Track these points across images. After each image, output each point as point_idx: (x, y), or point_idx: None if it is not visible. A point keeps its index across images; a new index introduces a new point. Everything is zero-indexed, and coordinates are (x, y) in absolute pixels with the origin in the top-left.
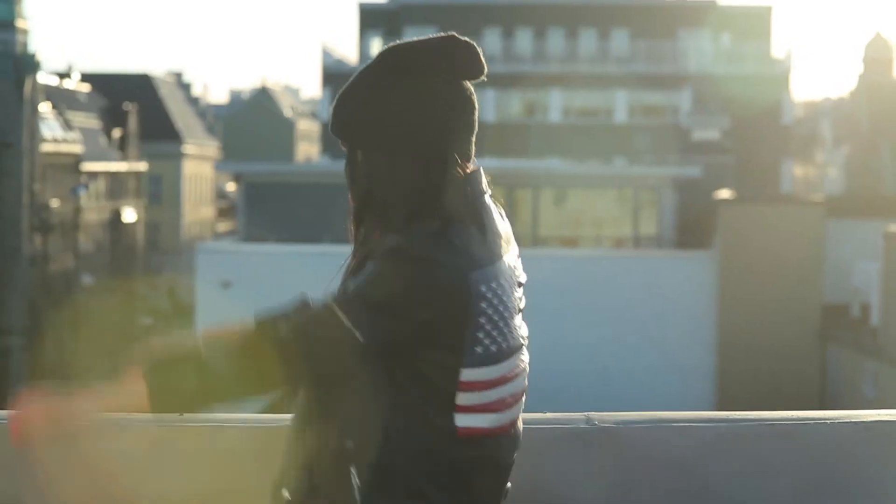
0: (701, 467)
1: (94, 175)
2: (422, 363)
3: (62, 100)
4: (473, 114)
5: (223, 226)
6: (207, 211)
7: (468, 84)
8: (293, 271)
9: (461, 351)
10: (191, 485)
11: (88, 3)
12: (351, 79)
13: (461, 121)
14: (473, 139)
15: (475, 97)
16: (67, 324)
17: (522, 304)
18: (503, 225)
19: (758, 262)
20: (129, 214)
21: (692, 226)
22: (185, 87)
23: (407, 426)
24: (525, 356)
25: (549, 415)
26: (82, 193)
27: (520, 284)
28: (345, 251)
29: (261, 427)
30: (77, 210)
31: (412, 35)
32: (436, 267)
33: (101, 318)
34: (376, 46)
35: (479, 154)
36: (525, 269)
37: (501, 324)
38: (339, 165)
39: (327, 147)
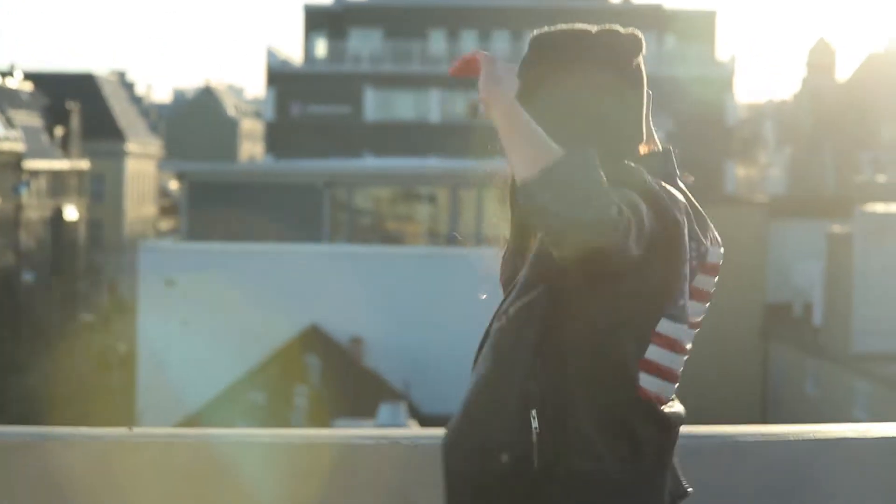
0: None
1: (35, 173)
2: (636, 286)
3: (4, 98)
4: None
5: (166, 224)
6: (150, 209)
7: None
8: (236, 269)
9: (671, 290)
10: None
11: (31, 1)
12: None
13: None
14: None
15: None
16: (7, 321)
17: (712, 290)
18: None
19: None
20: (71, 212)
21: None
22: (129, 87)
23: (593, 368)
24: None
25: None
26: (24, 192)
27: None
28: (287, 249)
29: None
30: (18, 208)
31: (356, 36)
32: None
33: (41, 315)
34: (321, 47)
35: (424, 153)
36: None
37: (685, 286)
38: (283, 165)
39: (271, 147)
